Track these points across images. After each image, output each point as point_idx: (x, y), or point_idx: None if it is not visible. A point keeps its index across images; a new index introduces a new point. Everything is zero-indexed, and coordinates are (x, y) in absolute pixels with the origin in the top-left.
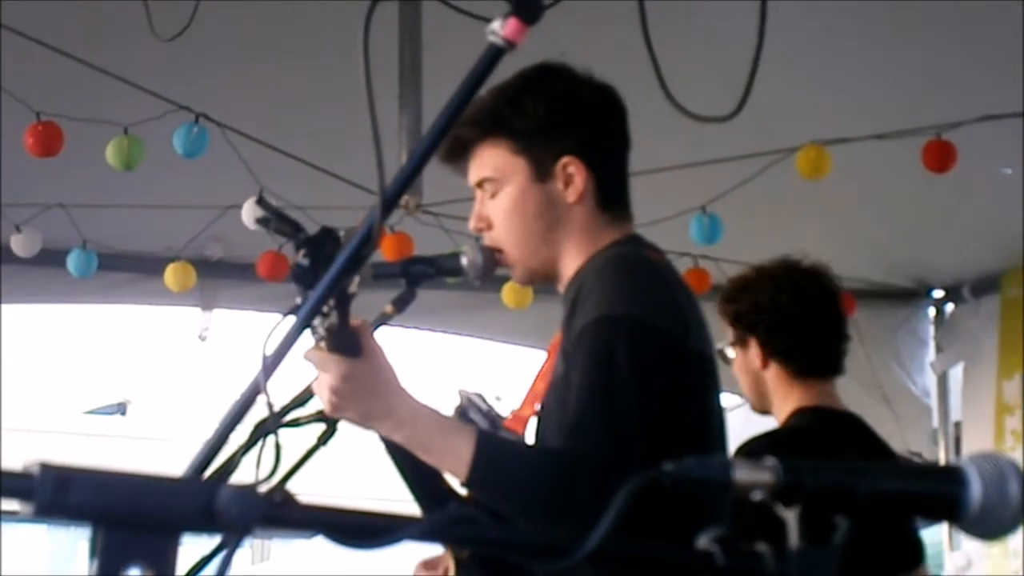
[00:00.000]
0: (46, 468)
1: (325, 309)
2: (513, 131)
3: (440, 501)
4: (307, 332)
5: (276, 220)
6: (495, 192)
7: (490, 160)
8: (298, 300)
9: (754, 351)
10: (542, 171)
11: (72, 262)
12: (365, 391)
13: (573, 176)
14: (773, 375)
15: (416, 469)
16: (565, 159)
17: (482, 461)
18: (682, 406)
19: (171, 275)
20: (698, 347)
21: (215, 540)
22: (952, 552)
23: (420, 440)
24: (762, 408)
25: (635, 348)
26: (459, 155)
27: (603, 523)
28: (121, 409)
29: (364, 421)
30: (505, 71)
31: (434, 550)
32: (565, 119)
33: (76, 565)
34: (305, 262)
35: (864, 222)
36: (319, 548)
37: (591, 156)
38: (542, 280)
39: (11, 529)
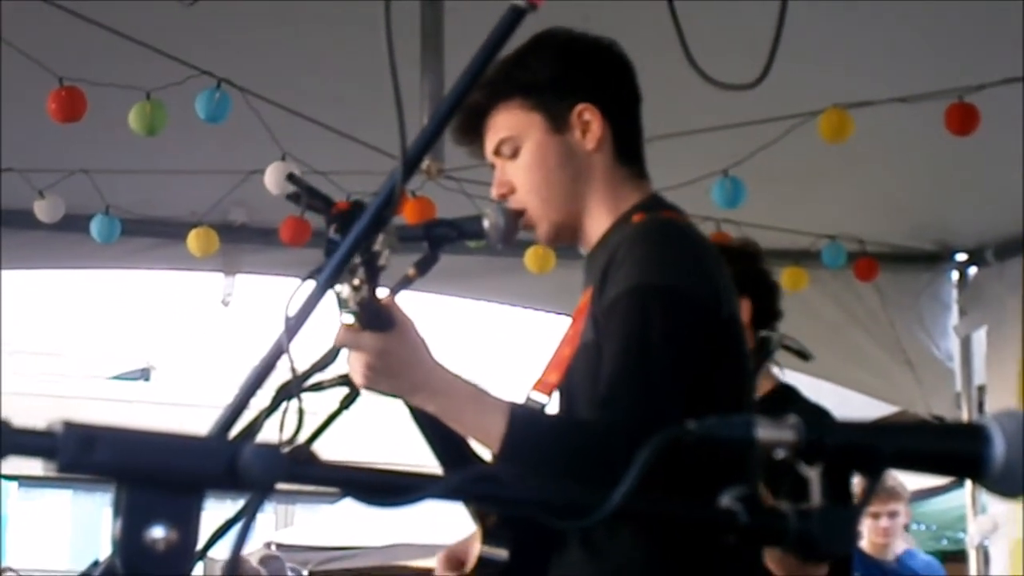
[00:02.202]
0: (70, 426)
1: (356, 282)
2: (524, 88)
3: (464, 465)
4: (330, 299)
5: (308, 195)
6: (514, 152)
7: (505, 122)
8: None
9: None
10: (558, 122)
11: (95, 228)
12: (400, 366)
13: (590, 123)
14: None
15: (440, 433)
16: (580, 106)
17: (514, 433)
18: (716, 372)
19: (194, 240)
20: (729, 310)
21: (238, 505)
22: (977, 516)
23: (453, 412)
24: None
25: (669, 318)
26: (473, 126)
27: (625, 481)
28: (145, 375)
29: (399, 394)
30: (526, 38)
31: (457, 534)
32: (574, 69)
33: (101, 530)
34: (337, 237)
35: (887, 185)
36: (343, 514)
37: (605, 104)
38: (567, 238)
39: (36, 494)
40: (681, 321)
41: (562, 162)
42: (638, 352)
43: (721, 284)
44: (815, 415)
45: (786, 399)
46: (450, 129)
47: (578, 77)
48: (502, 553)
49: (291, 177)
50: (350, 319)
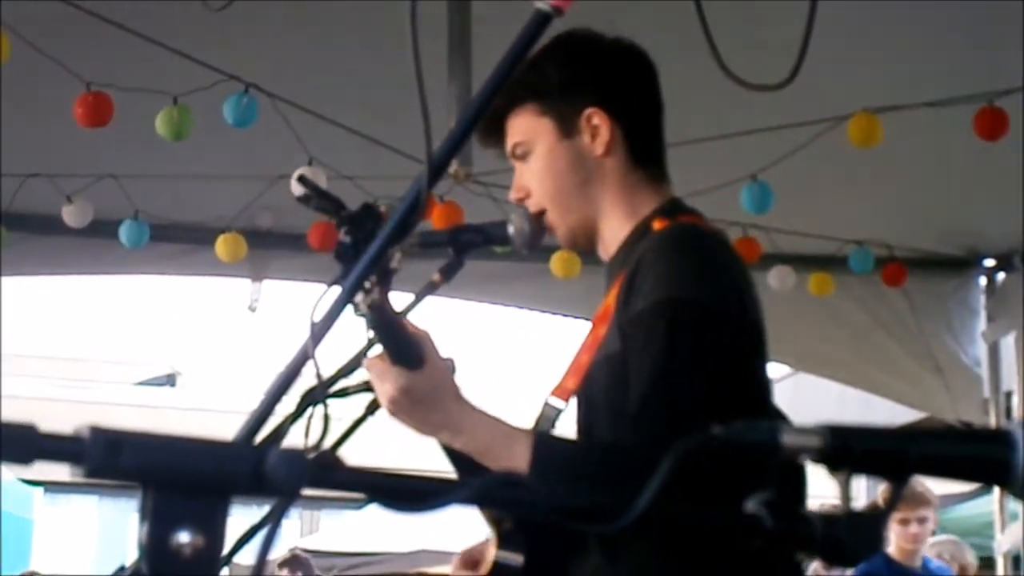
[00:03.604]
0: (96, 431)
1: (367, 285)
2: (536, 93)
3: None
4: (353, 306)
5: (317, 197)
6: (527, 157)
7: (519, 126)
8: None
9: None
10: (568, 127)
11: (124, 233)
12: (422, 404)
13: (598, 127)
14: None
15: (463, 457)
16: (588, 111)
17: (539, 466)
18: (743, 379)
19: (222, 246)
20: (753, 316)
21: (263, 510)
22: (1010, 525)
23: (477, 448)
24: None
25: (698, 333)
26: (494, 131)
27: (651, 486)
28: (171, 380)
29: (422, 431)
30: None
31: (470, 535)
32: (585, 73)
33: (127, 536)
34: (347, 240)
35: (915, 190)
36: (368, 521)
37: (615, 107)
38: (583, 241)
39: (63, 500)
40: (708, 335)
41: (572, 167)
42: (666, 370)
43: (744, 289)
44: None
45: None
46: (475, 133)
47: (588, 80)
48: (517, 558)
49: (301, 179)
50: (379, 349)
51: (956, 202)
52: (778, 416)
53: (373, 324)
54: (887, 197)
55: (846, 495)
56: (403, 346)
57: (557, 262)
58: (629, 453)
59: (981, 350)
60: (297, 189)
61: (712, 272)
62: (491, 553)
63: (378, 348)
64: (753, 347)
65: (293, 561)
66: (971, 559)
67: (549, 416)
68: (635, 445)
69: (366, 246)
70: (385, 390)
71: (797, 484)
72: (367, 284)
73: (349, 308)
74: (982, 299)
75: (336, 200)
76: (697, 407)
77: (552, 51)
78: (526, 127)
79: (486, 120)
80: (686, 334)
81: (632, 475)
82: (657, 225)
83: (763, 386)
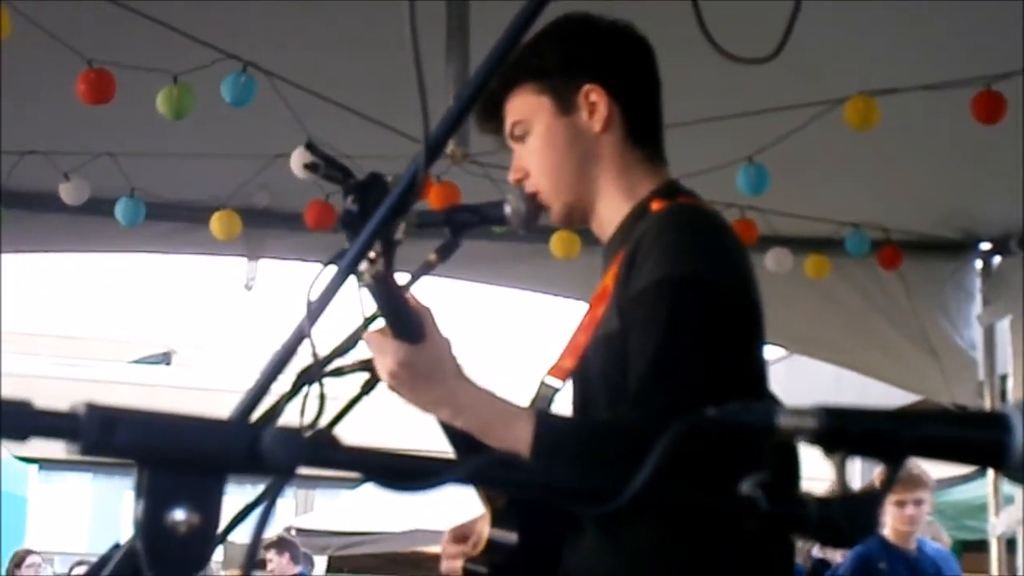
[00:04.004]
0: (92, 408)
1: (372, 255)
2: (534, 73)
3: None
4: (352, 279)
5: (326, 166)
6: (525, 136)
7: (517, 106)
8: (346, 246)
9: None
10: (565, 104)
11: (120, 211)
12: (422, 379)
13: (596, 104)
14: None
15: (462, 436)
16: (586, 87)
17: (541, 445)
18: (741, 360)
19: (217, 223)
20: (753, 297)
21: (259, 489)
22: (1006, 508)
23: (478, 426)
24: None
25: (697, 313)
26: (492, 113)
27: (646, 467)
28: (166, 359)
29: (421, 407)
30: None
31: (465, 514)
32: (583, 52)
33: (121, 513)
34: (354, 208)
35: (912, 173)
36: (363, 500)
37: (613, 84)
38: (579, 219)
39: (57, 477)
40: (708, 315)
41: (570, 144)
42: (666, 350)
43: (744, 270)
44: None
45: None
46: (472, 116)
47: (586, 58)
48: (511, 536)
49: (309, 146)
50: (381, 324)
51: (953, 185)
52: (772, 399)
53: (376, 295)
54: (884, 180)
55: (841, 477)
56: (405, 320)
57: (557, 242)
58: (630, 433)
59: (976, 333)
60: (305, 157)
61: (712, 252)
62: (484, 531)
63: (377, 324)
64: (752, 328)
65: (280, 543)
66: (945, 538)
67: (546, 396)
68: (635, 425)
69: (378, 229)
70: (385, 364)
71: (791, 466)
72: (371, 255)
73: (350, 281)
74: (978, 282)
75: (344, 168)
76: (697, 387)
77: (550, 33)
78: (524, 106)
79: (484, 103)
80: (686, 314)
81: (632, 455)
82: (656, 206)
83: (760, 367)
